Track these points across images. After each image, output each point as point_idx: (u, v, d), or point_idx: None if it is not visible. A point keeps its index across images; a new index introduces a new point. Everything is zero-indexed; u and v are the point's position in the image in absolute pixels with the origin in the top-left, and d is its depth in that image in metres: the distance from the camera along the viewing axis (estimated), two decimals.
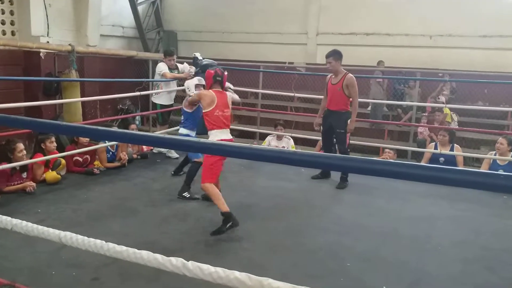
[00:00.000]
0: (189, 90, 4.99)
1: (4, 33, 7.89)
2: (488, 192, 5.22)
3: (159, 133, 6.64)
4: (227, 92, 4.40)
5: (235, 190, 5.05)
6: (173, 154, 6.64)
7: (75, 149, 5.57)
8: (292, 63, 10.48)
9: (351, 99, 5.39)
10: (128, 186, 5.25)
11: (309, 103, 9.76)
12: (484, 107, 8.15)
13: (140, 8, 10.71)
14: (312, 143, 7.92)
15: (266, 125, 8.71)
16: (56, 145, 5.37)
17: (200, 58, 6.94)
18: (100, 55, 8.99)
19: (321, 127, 5.66)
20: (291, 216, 4.45)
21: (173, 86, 6.79)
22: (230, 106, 4.35)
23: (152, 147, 6.87)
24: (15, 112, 5.66)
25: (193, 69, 6.77)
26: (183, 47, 11.50)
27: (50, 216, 4.12)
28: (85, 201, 4.64)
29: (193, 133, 5.19)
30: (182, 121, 5.14)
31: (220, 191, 4.54)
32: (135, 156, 6.35)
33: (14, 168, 4.76)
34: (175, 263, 1.44)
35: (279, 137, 7.08)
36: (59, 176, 5.20)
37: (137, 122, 9.19)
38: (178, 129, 7.37)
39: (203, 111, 4.21)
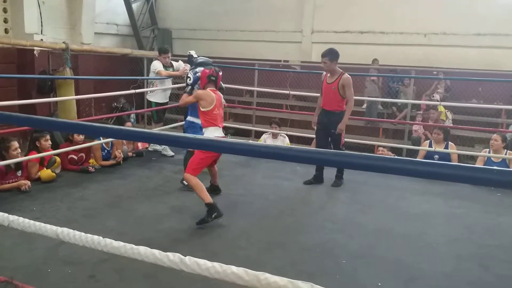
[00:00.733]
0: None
1: None
2: (482, 189, 5.26)
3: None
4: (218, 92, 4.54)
5: (231, 188, 5.06)
6: (169, 152, 6.63)
7: (70, 147, 5.55)
8: (287, 61, 10.50)
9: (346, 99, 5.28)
10: (124, 184, 5.24)
11: (304, 101, 9.78)
12: (479, 105, 8.20)
13: (134, 6, 10.68)
14: (307, 141, 7.93)
15: (262, 123, 8.72)
16: (51, 143, 5.35)
17: (195, 56, 6.93)
18: (94, 53, 8.96)
19: (317, 126, 5.55)
20: (287, 214, 4.46)
21: (168, 84, 6.78)
22: (223, 105, 4.57)
23: (147, 145, 6.86)
24: (9, 110, 5.59)
25: (188, 67, 6.77)
26: (178, 45, 11.50)
27: (45, 214, 4.11)
28: (80, 199, 4.63)
29: (198, 121, 5.14)
30: (189, 110, 5.20)
31: (218, 186, 4.75)
32: (130, 154, 6.34)
33: (8, 166, 4.75)
34: (172, 258, 1.45)
35: (275, 135, 7.09)
36: (54, 174, 5.18)
37: (132, 120, 9.17)
38: (173, 127, 7.41)
39: (202, 109, 4.28)
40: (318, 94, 7.92)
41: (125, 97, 9.67)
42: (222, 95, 4.56)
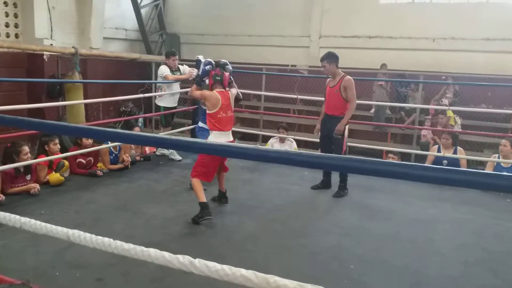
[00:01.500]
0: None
1: (8, 35, 7.94)
2: (490, 194, 5.23)
3: (162, 135, 6.66)
4: (230, 90, 4.40)
5: (239, 192, 5.06)
6: (176, 156, 6.66)
7: (78, 151, 5.59)
8: (294, 65, 10.51)
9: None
10: (131, 188, 5.26)
11: (312, 106, 9.79)
12: (488, 109, 8.15)
13: (143, 11, 10.77)
14: (315, 146, 7.92)
15: (269, 127, 8.74)
16: (59, 147, 5.39)
17: (203, 60, 6.97)
18: (103, 57, 9.03)
19: (319, 133, 5.46)
20: (294, 218, 4.46)
21: (176, 89, 6.81)
22: (233, 104, 4.37)
23: (155, 149, 6.89)
24: (18, 114, 5.64)
25: (194, 70, 6.80)
26: (185, 49, 11.55)
27: (53, 218, 4.14)
28: (88, 202, 4.65)
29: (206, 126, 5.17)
30: (199, 115, 5.23)
31: (225, 191, 4.65)
32: (138, 158, 6.37)
33: (18, 170, 4.79)
34: (182, 260, 1.46)
35: (282, 140, 7.09)
36: (63, 178, 5.22)
37: (140, 124, 9.22)
38: (181, 131, 7.44)
39: (207, 111, 4.25)
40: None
41: (133, 101, 9.73)
42: (231, 96, 4.39)
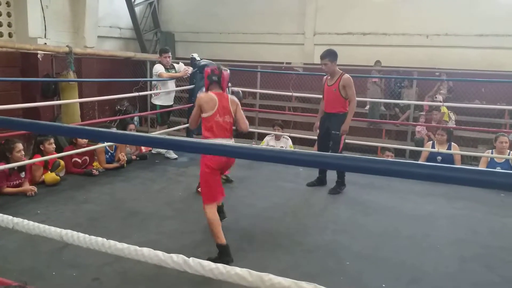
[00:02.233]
0: None
1: (1, 35, 7.91)
2: (486, 190, 5.25)
3: (158, 133, 6.65)
4: (229, 95, 3.81)
5: (234, 191, 5.07)
6: (172, 154, 6.65)
7: (74, 150, 5.57)
8: (289, 63, 10.52)
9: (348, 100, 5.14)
10: (127, 187, 5.26)
11: (307, 103, 9.80)
12: (481, 105, 8.19)
13: (137, 9, 10.73)
14: (310, 143, 7.94)
15: (264, 125, 8.74)
16: (55, 146, 5.38)
17: (198, 58, 6.98)
18: (97, 56, 9.01)
19: (318, 131, 5.42)
20: (290, 216, 4.47)
21: (171, 87, 6.80)
22: (233, 111, 3.70)
23: (150, 148, 6.88)
24: (13, 113, 5.67)
25: (189, 68, 6.79)
26: (180, 48, 11.53)
27: (49, 217, 4.13)
28: (84, 202, 4.64)
29: None
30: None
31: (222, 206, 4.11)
32: (134, 157, 6.36)
33: (12, 167, 4.76)
34: (176, 259, 1.46)
35: (278, 137, 7.10)
36: (58, 177, 5.20)
37: (136, 123, 9.21)
38: (177, 130, 7.43)
39: (202, 115, 3.65)
40: (321, 96, 7.95)
41: (128, 100, 9.71)
42: (231, 99, 3.75)
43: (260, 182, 5.60)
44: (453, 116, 8.23)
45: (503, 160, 5.80)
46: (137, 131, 7.80)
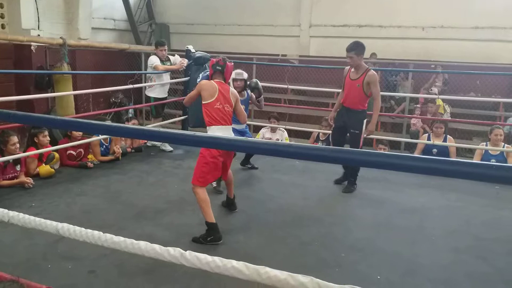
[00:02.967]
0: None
1: None
2: (480, 182, 5.27)
3: (153, 126, 6.63)
4: (230, 87, 3.96)
5: None
6: (167, 147, 6.64)
7: (69, 143, 5.55)
8: (285, 55, 10.49)
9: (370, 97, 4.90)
10: (123, 179, 5.25)
11: (302, 96, 9.79)
12: (477, 98, 8.22)
13: (131, 1, 10.65)
14: (306, 135, 7.95)
15: (260, 117, 8.72)
16: (49, 139, 5.35)
17: (192, 50, 6.95)
18: (91, 48, 8.94)
19: (334, 123, 5.21)
20: (285, 209, 4.48)
21: (166, 79, 6.77)
22: (234, 103, 3.85)
23: (146, 141, 6.86)
24: (6, 106, 5.62)
25: (185, 61, 6.76)
26: (175, 39, 11.47)
27: (44, 210, 4.12)
28: (79, 194, 4.63)
29: (236, 126, 5.06)
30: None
31: (234, 200, 4.28)
32: (129, 150, 6.35)
33: (7, 160, 4.74)
34: (172, 253, 1.46)
35: (273, 130, 7.10)
36: (53, 170, 5.18)
37: (130, 115, 9.17)
38: (172, 122, 7.41)
39: (203, 102, 3.76)
40: (317, 88, 7.95)
41: (123, 92, 9.66)
42: (232, 92, 3.90)
43: (255, 175, 5.61)
44: (448, 109, 8.26)
45: (498, 152, 5.84)
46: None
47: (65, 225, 1.70)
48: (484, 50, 8.81)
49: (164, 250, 1.50)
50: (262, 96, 5.38)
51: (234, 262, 1.38)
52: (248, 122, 8.25)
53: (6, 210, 1.78)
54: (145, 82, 7.48)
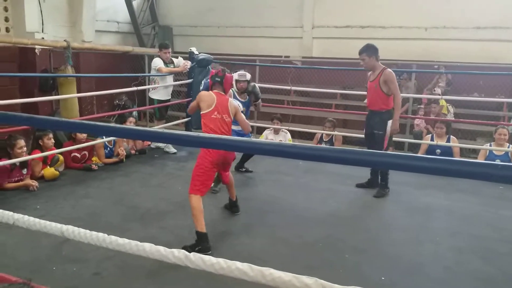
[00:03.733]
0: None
1: None
2: (483, 182, 5.25)
3: (157, 128, 6.64)
4: (230, 98, 4.01)
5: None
6: (171, 149, 6.65)
7: (73, 145, 5.57)
8: (288, 56, 10.48)
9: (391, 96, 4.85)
10: (127, 181, 5.27)
11: (305, 97, 9.79)
12: (480, 98, 8.19)
13: (135, 3, 10.66)
14: (309, 136, 7.95)
15: (263, 119, 8.73)
16: (54, 141, 5.37)
17: (196, 52, 6.96)
18: (95, 51, 8.96)
19: (365, 129, 5.22)
20: (289, 209, 4.48)
21: (170, 81, 6.79)
22: (232, 114, 3.85)
23: (149, 142, 6.87)
24: (11, 109, 5.65)
25: (188, 63, 6.78)
26: (178, 41, 11.48)
27: (49, 212, 4.14)
28: (84, 197, 4.65)
29: (234, 128, 5.12)
30: None
31: (236, 202, 4.30)
32: (133, 152, 6.36)
33: (14, 164, 4.77)
34: (177, 254, 1.47)
35: (276, 131, 7.10)
36: (58, 172, 5.21)
37: (135, 118, 9.19)
38: (176, 124, 7.43)
39: (201, 113, 3.82)
40: (320, 90, 7.96)
41: (126, 94, 9.69)
42: (231, 103, 3.91)
43: (258, 175, 5.61)
44: (451, 109, 8.23)
45: (503, 152, 5.82)
46: (136, 125, 7.78)
47: (70, 227, 1.71)
48: (487, 50, 8.78)
49: (169, 252, 1.50)
50: (259, 100, 5.37)
51: (238, 264, 1.39)
52: (251, 124, 8.26)
53: (11, 213, 1.79)
54: (148, 84, 7.50)
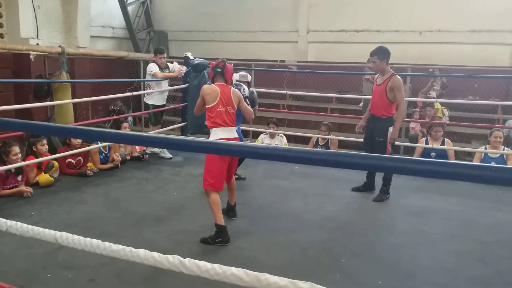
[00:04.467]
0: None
1: None
2: (479, 185, 5.26)
3: (152, 133, 6.62)
4: (232, 88, 4.01)
5: None
6: (167, 154, 6.63)
7: (68, 151, 5.54)
8: (283, 61, 10.50)
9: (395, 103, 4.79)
10: (122, 187, 5.24)
11: (301, 101, 9.80)
12: (475, 101, 8.22)
13: (130, 9, 10.67)
14: (305, 141, 7.95)
15: (259, 123, 8.72)
16: (47, 147, 5.33)
17: (191, 57, 6.96)
18: (90, 56, 8.95)
19: (363, 132, 5.19)
20: (285, 214, 4.47)
21: (165, 86, 6.78)
22: (236, 103, 3.90)
23: (145, 148, 6.85)
24: (5, 115, 5.61)
25: (183, 68, 6.77)
26: (174, 47, 11.48)
27: (43, 219, 4.11)
28: (79, 203, 4.62)
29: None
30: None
31: (234, 207, 4.28)
32: (128, 158, 6.33)
33: (9, 171, 4.74)
34: (172, 260, 1.45)
35: (272, 135, 7.10)
36: (52, 178, 5.18)
37: (130, 123, 9.17)
38: (171, 129, 7.41)
39: (206, 106, 3.85)
40: (316, 94, 7.97)
41: (122, 100, 9.66)
42: (234, 92, 3.94)
43: (255, 180, 5.60)
44: (446, 112, 8.25)
45: (498, 155, 5.84)
46: (131, 131, 7.76)
47: (64, 233, 1.69)
48: (481, 53, 8.83)
49: (163, 257, 1.49)
50: (256, 106, 5.33)
51: (233, 269, 1.37)
52: (247, 128, 8.28)
53: (4, 220, 1.77)
54: (144, 90, 7.49)
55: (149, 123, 7.42)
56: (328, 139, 7.01)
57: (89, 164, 5.86)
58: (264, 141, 7.10)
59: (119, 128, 6.55)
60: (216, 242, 3.62)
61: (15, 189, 4.76)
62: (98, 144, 5.76)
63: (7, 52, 7.38)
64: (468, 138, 8.28)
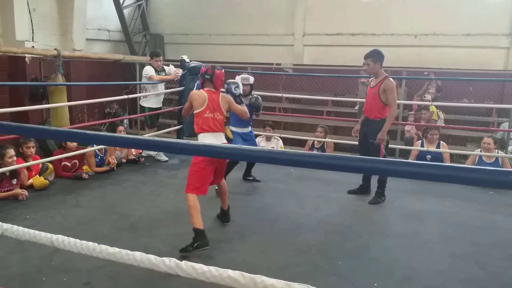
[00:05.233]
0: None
1: None
2: (474, 187, 5.30)
3: (148, 136, 6.61)
4: (221, 94, 3.96)
5: None
6: (162, 157, 6.62)
7: (63, 154, 5.52)
8: (279, 64, 10.53)
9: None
10: (118, 190, 5.23)
11: (297, 104, 9.82)
12: (470, 104, 8.28)
13: (126, 12, 10.67)
14: (301, 143, 7.96)
15: (255, 126, 8.71)
16: (33, 151, 5.23)
17: (187, 60, 6.96)
18: (86, 59, 8.94)
19: (358, 136, 5.18)
20: (282, 216, 4.47)
21: (161, 89, 6.78)
22: (225, 109, 3.90)
23: (141, 151, 6.84)
24: (0, 118, 5.61)
25: (180, 71, 6.78)
26: (170, 50, 11.50)
27: (39, 222, 4.09)
28: (74, 206, 4.61)
29: (238, 130, 5.14)
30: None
31: (228, 211, 4.21)
32: (124, 160, 6.32)
33: (3, 174, 4.72)
34: (168, 263, 1.45)
35: (268, 138, 7.10)
36: (47, 181, 5.15)
37: (125, 126, 9.16)
38: (167, 132, 7.41)
39: (194, 112, 3.87)
40: (311, 97, 7.99)
41: (117, 102, 9.66)
42: (222, 97, 3.91)
43: (251, 183, 5.60)
44: (442, 115, 8.30)
45: (493, 159, 5.86)
46: (126, 133, 7.76)
47: (60, 237, 1.68)
48: (476, 56, 8.90)
49: (159, 260, 1.49)
50: (260, 111, 5.33)
51: (230, 272, 1.38)
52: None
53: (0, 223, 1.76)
54: (140, 93, 7.48)
55: (145, 126, 7.42)
56: (324, 141, 7.03)
57: (84, 167, 5.85)
58: (260, 143, 7.11)
59: (115, 131, 6.54)
60: (195, 248, 3.48)
61: (10, 192, 4.74)
62: (93, 147, 5.75)
63: (3, 55, 7.37)
64: (463, 141, 8.33)
